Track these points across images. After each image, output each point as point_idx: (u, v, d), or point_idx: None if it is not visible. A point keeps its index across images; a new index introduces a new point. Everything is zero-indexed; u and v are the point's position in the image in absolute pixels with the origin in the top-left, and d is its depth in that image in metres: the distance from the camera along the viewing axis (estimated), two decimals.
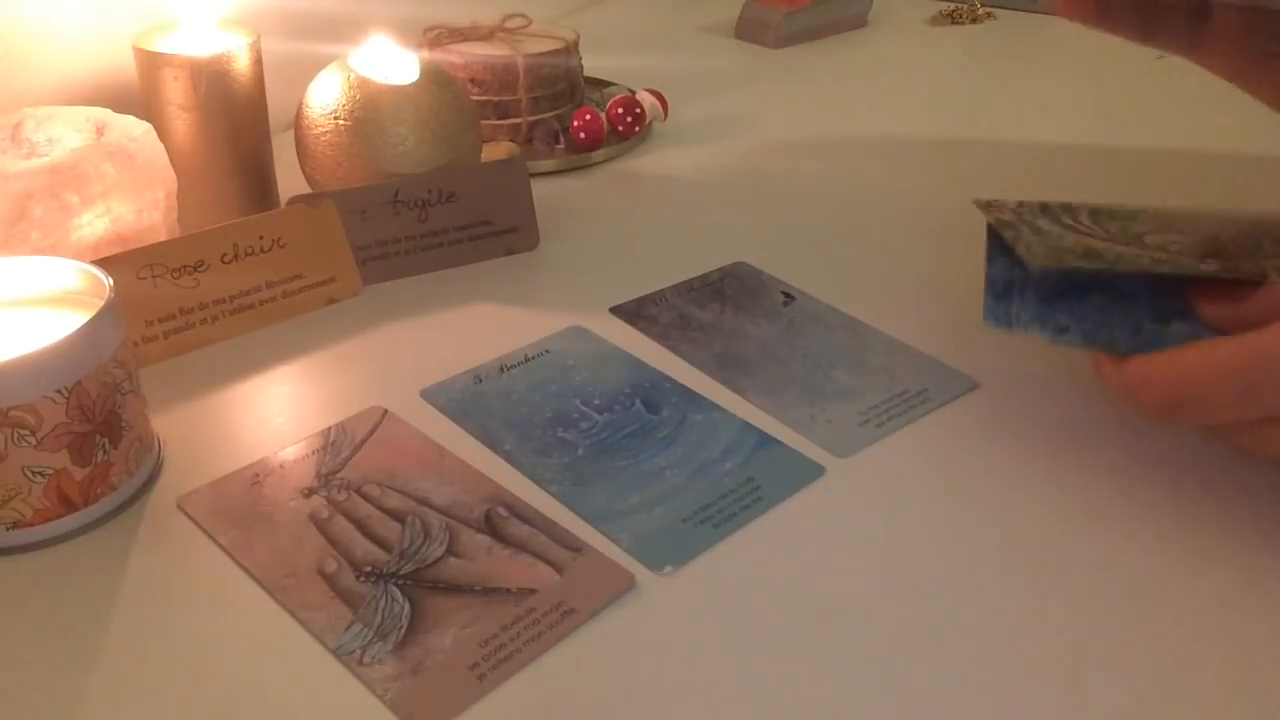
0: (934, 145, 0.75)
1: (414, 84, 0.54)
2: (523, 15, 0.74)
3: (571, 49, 0.73)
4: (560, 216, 0.61)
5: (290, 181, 0.59)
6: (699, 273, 0.55)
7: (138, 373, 0.39)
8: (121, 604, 0.34)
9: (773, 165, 0.70)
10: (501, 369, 0.47)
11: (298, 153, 0.57)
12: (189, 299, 0.48)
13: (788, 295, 0.54)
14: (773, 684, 0.32)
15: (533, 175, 0.60)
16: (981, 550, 0.37)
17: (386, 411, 0.44)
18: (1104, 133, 0.77)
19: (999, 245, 0.41)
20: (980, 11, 1.05)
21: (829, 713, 0.31)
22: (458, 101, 0.56)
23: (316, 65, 0.56)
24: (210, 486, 0.39)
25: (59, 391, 0.35)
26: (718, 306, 0.52)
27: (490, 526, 0.38)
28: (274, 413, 0.44)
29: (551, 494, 0.40)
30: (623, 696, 0.32)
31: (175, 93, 0.54)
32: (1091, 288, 0.39)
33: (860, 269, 0.57)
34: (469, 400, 0.45)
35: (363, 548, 0.37)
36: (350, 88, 0.53)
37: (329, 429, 0.43)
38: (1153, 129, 0.78)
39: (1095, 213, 0.42)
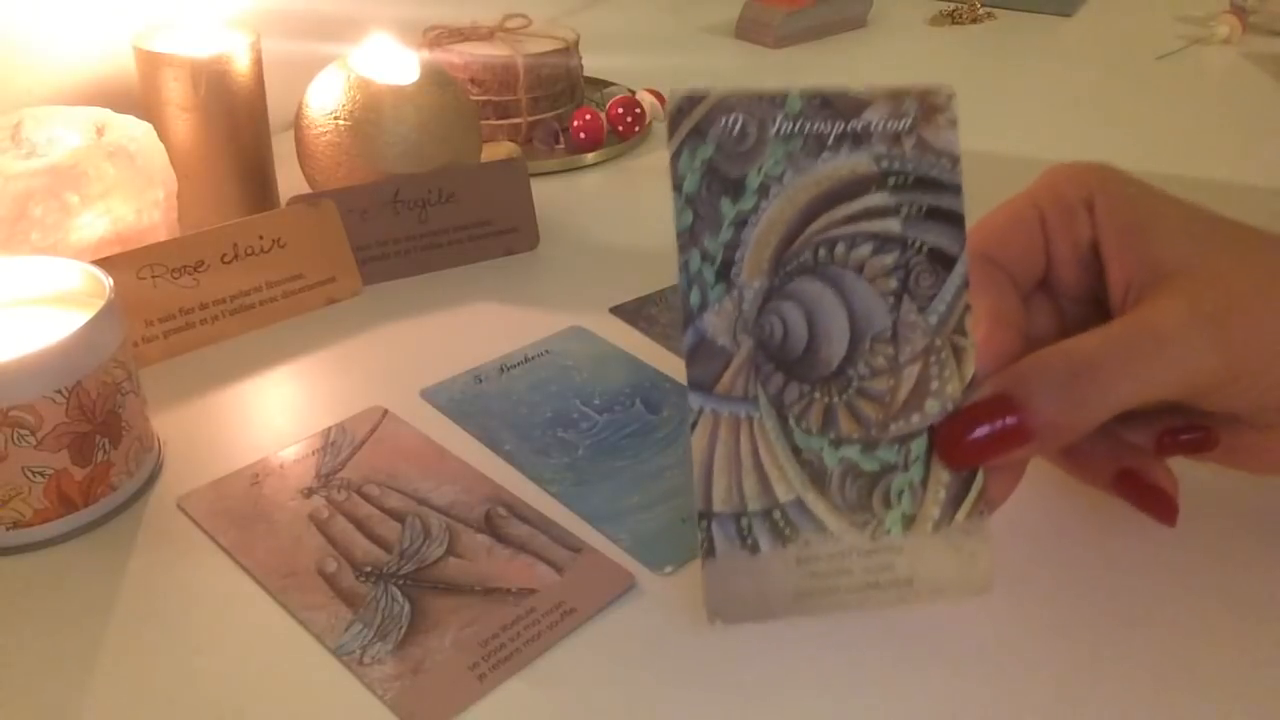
0: None
1: (414, 84, 0.54)
2: (523, 15, 0.74)
3: (571, 49, 0.73)
4: (560, 216, 0.61)
5: (290, 181, 0.59)
6: None
7: (138, 373, 0.39)
8: (121, 604, 0.34)
9: None
10: (501, 369, 0.47)
11: (298, 153, 0.57)
12: (189, 299, 0.48)
13: None
14: (772, 684, 0.32)
15: (533, 175, 0.60)
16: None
17: (386, 411, 0.44)
18: (1104, 132, 0.77)
19: None
20: (980, 11, 1.05)
21: (828, 711, 0.31)
22: (458, 101, 0.56)
23: (316, 65, 0.56)
24: (210, 486, 0.39)
25: (59, 391, 0.35)
26: None
27: (490, 526, 0.38)
28: (274, 413, 0.44)
29: (551, 494, 0.40)
30: (623, 696, 0.32)
31: (175, 93, 0.54)
32: None
33: None
34: (469, 400, 0.45)
35: (363, 548, 0.37)
36: (350, 88, 0.53)
37: (329, 429, 0.43)
38: (1152, 128, 0.78)
39: None
